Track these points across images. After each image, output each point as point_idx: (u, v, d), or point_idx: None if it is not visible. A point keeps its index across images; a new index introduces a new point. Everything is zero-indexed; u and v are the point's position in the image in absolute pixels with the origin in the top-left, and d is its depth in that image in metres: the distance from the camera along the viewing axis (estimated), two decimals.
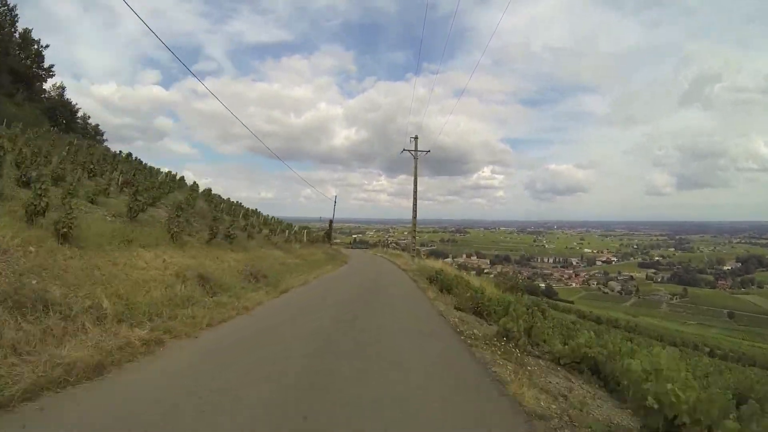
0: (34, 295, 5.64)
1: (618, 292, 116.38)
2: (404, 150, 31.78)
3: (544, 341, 8.08)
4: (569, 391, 5.33)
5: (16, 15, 40.72)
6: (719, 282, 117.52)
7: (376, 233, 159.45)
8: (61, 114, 43.86)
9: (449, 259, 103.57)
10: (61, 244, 8.15)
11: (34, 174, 10.94)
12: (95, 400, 3.91)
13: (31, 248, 7.35)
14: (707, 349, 42.82)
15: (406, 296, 13.38)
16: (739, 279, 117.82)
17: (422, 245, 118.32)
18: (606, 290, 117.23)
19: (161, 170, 26.66)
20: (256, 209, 31.48)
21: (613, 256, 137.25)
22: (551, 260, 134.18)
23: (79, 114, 48.06)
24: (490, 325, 9.90)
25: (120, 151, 38.48)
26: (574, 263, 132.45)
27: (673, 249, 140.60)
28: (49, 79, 47.33)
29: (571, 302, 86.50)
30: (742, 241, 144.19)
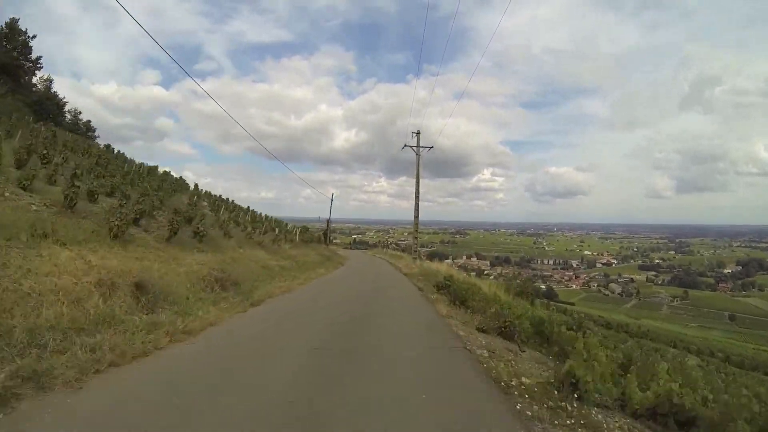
0: None
1: (618, 294, 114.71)
2: (406, 146, 29.14)
3: (613, 383, 5.46)
4: None
5: None
6: (720, 285, 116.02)
7: (375, 234, 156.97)
8: (46, 108, 41.29)
9: (449, 260, 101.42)
10: None
11: None
12: None
13: None
14: (716, 354, 40.43)
15: (413, 312, 10.54)
16: (740, 282, 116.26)
17: (422, 246, 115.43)
18: (606, 292, 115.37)
19: (143, 164, 24.06)
20: (248, 207, 28.83)
21: (613, 258, 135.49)
22: (551, 262, 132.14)
23: (68, 108, 45.37)
24: (523, 351, 7.28)
25: (109, 146, 36.06)
26: (574, 265, 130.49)
27: (673, 252, 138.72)
28: (37, 72, 45.01)
29: (572, 304, 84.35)
30: (743, 244, 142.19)
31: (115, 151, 27.82)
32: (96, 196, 10.47)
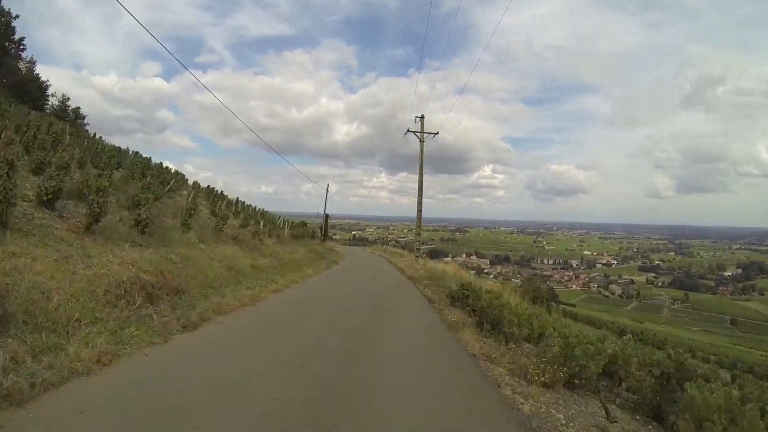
0: None
1: (619, 295, 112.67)
2: (409, 131, 25.90)
3: None
4: None
5: None
6: (720, 288, 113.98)
7: (375, 230, 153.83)
8: (28, 90, 38.05)
9: (449, 258, 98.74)
10: None
11: None
12: None
13: None
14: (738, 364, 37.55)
15: (431, 352, 6.79)
16: (740, 285, 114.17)
17: (423, 243, 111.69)
18: (607, 293, 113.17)
19: (136, 153, 20.83)
20: (227, 194, 25.57)
21: (613, 259, 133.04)
22: (551, 261, 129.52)
23: (58, 95, 41.99)
24: (614, 420, 4.16)
25: (100, 137, 32.78)
26: (574, 265, 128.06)
27: (673, 253, 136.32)
28: (21, 54, 41.75)
29: (573, 305, 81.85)
30: (742, 247, 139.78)
31: (105, 140, 24.63)
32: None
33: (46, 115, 32.77)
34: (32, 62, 41.62)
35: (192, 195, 15.17)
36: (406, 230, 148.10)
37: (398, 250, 44.85)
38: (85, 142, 17.59)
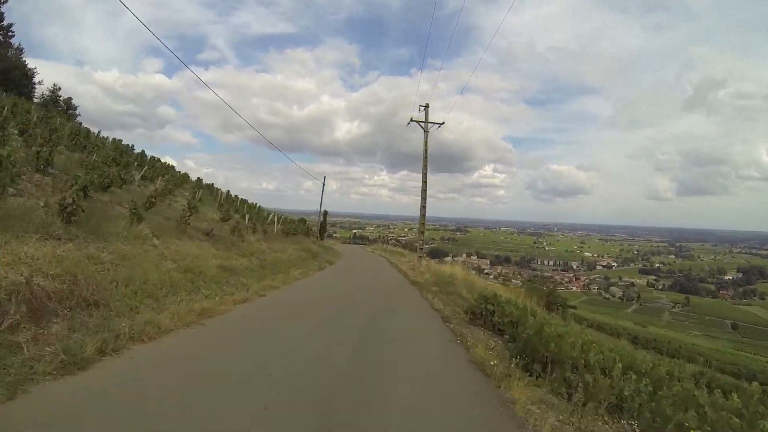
0: None
1: (619, 298, 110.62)
2: (413, 120, 23.56)
3: None
4: None
5: None
6: (721, 292, 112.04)
7: (376, 229, 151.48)
8: (13, 77, 35.81)
9: (449, 258, 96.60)
10: None
11: None
12: None
13: None
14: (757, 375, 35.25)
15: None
16: (740, 289, 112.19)
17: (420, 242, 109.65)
18: (607, 296, 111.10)
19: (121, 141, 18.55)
20: (211, 183, 23.20)
21: (614, 260, 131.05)
22: (551, 263, 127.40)
23: (39, 80, 39.69)
24: None
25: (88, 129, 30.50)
26: (575, 267, 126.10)
27: (673, 256, 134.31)
28: (11, 40, 39.50)
29: (574, 307, 79.79)
30: (743, 251, 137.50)
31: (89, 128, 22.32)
32: None
33: (33, 104, 30.64)
34: (20, 49, 39.43)
35: (164, 182, 12.85)
36: (406, 229, 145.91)
37: (399, 250, 42.51)
38: (57, 123, 15.30)
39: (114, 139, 21.23)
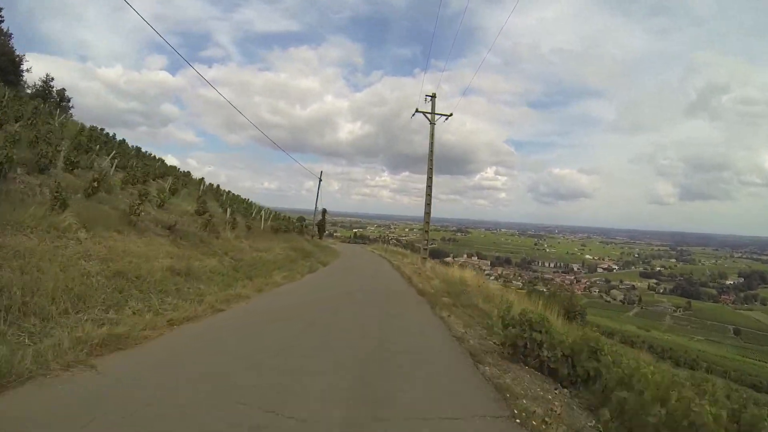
0: None
1: (620, 301, 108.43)
2: (418, 111, 21.14)
3: None
4: None
5: None
6: (722, 296, 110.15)
7: (377, 229, 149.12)
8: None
9: (450, 258, 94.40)
10: None
11: None
12: None
13: None
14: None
15: None
16: (742, 294, 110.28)
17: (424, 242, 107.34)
18: (608, 299, 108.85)
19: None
20: (207, 181, 20.77)
21: (615, 263, 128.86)
22: (552, 265, 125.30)
23: (27, 67, 37.35)
24: None
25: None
26: (575, 269, 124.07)
27: (674, 260, 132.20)
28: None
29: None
30: (744, 255, 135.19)
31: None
32: None
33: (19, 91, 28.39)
34: (8, 35, 37.12)
35: (138, 170, 10.44)
36: (407, 229, 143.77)
37: (400, 250, 40.01)
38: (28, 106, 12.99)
39: (92, 127, 18.83)
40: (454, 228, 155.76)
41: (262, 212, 19.75)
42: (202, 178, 21.64)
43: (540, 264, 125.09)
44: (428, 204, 19.86)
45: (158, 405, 3.35)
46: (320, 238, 42.48)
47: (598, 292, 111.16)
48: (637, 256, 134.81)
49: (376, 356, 5.61)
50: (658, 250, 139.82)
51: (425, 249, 19.50)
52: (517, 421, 3.80)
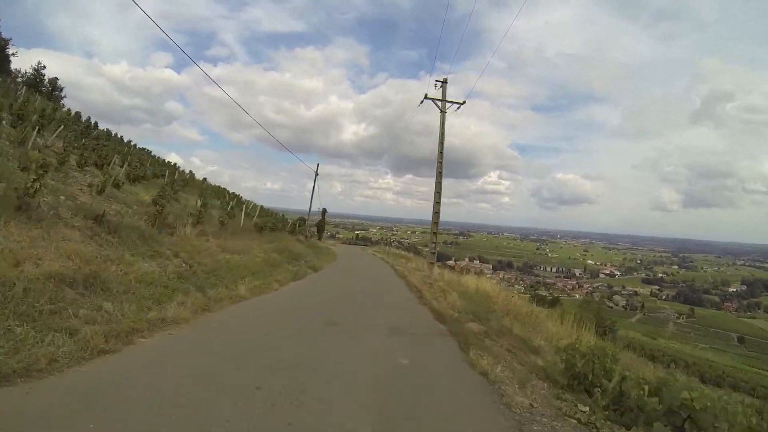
0: None
1: (623, 306, 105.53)
2: (427, 98, 18.33)
3: None
4: None
5: None
6: (725, 304, 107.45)
7: (379, 231, 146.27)
8: None
9: (452, 262, 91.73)
10: None
11: None
12: None
13: None
14: None
15: None
16: (745, 302, 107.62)
17: (425, 246, 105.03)
18: (610, 304, 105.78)
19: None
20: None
21: (617, 269, 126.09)
22: (554, 269, 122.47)
23: (14, 51, 34.73)
24: None
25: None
26: (577, 274, 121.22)
27: (677, 267, 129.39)
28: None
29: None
30: (747, 263, 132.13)
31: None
32: None
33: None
34: None
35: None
36: (409, 232, 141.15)
37: (403, 253, 37.02)
38: None
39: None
40: (457, 231, 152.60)
41: (244, 206, 16.83)
42: (175, 164, 18.81)
43: (542, 268, 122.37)
44: (437, 202, 17.01)
45: None
46: (319, 239, 39.62)
47: (601, 297, 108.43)
48: (639, 262, 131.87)
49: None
50: (661, 256, 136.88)
51: (433, 253, 16.58)
52: None
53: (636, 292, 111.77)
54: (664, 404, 3.25)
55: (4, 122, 10.53)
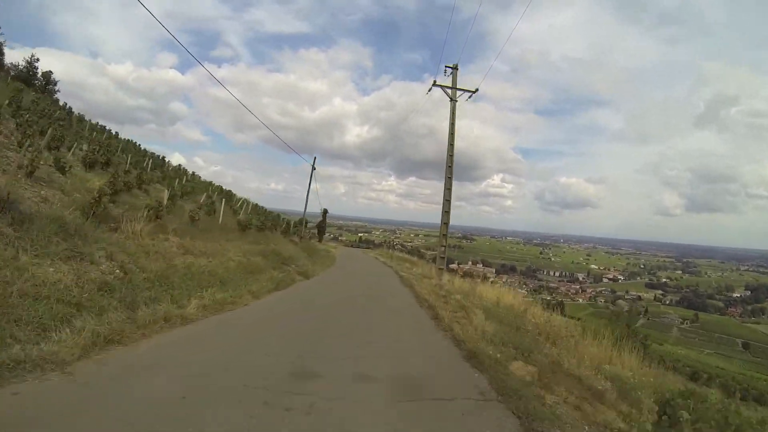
0: None
1: (626, 311, 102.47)
2: (436, 85, 16.18)
3: None
4: None
5: None
6: (729, 309, 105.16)
7: (382, 233, 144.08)
8: None
9: (454, 265, 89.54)
10: None
11: None
12: None
13: None
14: None
15: None
16: (749, 308, 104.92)
17: (428, 249, 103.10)
18: (614, 308, 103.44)
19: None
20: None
21: (620, 274, 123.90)
22: (557, 274, 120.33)
23: (3, 39, 32.91)
24: None
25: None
26: (581, 278, 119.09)
27: (680, 272, 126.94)
28: None
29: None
30: (750, 268, 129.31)
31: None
32: None
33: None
34: None
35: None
36: (412, 235, 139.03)
37: (406, 257, 34.73)
38: None
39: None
40: (460, 235, 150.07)
41: (223, 201, 14.53)
42: (145, 150, 16.50)
43: (545, 273, 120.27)
44: (447, 200, 14.75)
45: None
46: (320, 240, 37.42)
47: (604, 302, 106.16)
48: (642, 266, 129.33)
49: None
50: (664, 261, 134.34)
51: (442, 257, 14.33)
52: None
53: (640, 296, 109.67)
54: None
55: None
